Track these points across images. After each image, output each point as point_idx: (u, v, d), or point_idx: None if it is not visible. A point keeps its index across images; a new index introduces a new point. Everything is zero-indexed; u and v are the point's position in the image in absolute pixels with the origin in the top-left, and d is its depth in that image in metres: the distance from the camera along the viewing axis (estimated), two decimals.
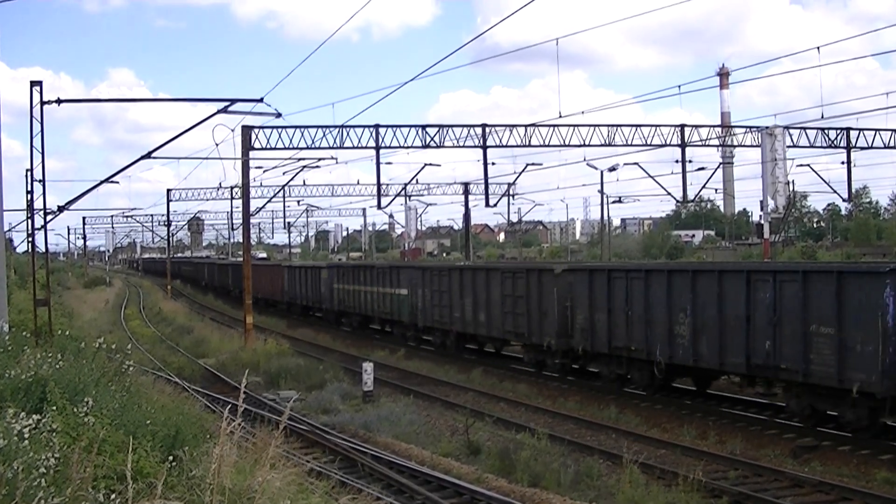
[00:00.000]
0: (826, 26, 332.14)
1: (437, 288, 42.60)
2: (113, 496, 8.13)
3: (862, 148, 53.38)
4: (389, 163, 62.89)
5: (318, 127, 46.26)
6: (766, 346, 23.64)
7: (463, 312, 40.12)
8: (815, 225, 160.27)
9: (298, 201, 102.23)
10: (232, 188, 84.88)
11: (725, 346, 25.19)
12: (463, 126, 49.39)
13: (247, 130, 43.42)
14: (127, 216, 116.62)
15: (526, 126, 49.44)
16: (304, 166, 54.40)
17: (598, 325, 30.63)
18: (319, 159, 51.91)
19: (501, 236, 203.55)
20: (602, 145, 50.37)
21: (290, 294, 67.74)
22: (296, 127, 45.75)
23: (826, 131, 52.16)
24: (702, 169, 60.10)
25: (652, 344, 28.11)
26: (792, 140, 51.46)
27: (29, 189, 33.30)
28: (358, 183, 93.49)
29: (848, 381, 21.25)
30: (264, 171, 58.57)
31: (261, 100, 34.93)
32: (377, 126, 47.05)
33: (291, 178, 64.29)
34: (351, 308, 55.02)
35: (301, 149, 47.05)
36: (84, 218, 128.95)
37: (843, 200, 63.91)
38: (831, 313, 21.69)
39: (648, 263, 45.90)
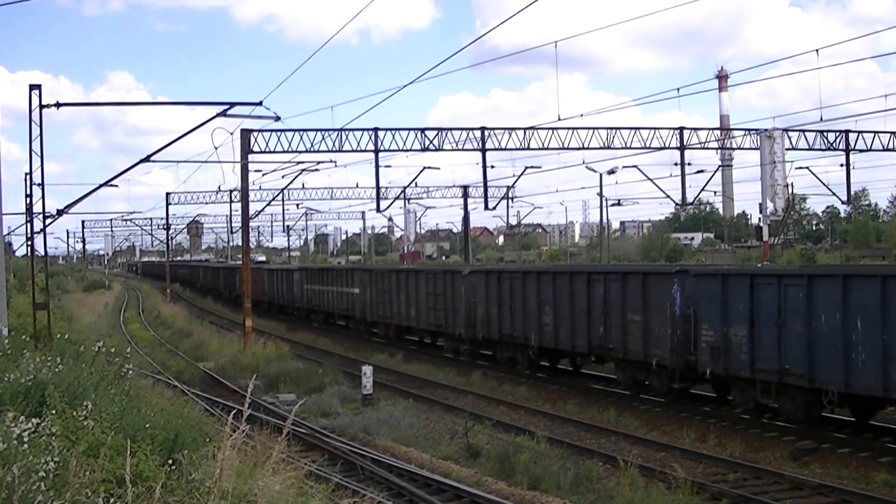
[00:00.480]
0: (825, 28, 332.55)
1: (381, 287, 49.53)
2: (112, 500, 8.13)
3: (861, 150, 53.37)
4: (388, 166, 62.64)
5: (317, 130, 46.29)
6: (601, 332, 30.57)
7: (399, 308, 47.13)
8: (814, 227, 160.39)
9: (297, 204, 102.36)
10: (231, 191, 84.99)
11: (575, 332, 32.06)
12: (462, 129, 49.42)
13: (246, 134, 43.41)
14: (126, 220, 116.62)
15: (525, 129, 49.47)
16: (304, 170, 54.43)
17: (492, 317, 37.54)
18: (318, 162, 51.97)
19: (500, 239, 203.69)
20: (601, 148, 50.38)
21: (269, 294, 74.32)
22: (295, 130, 45.79)
23: (825, 134, 52.17)
24: (701, 171, 60.07)
25: (528, 331, 34.94)
26: (791, 142, 51.46)
27: (28, 192, 33.25)
28: (357, 186, 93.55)
29: (651, 356, 28.08)
30: (263, 175, 58.58)
31: (260, 103, 34.93)
32: (376, 129, 47.07)
33: (290, 182, 64.28)
34: (317, 306, 61.95)
35: (300, 152, 47.09)
36: (83, 221, 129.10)
37: (843, 203, 63.98)
38: (640, 305, 28.61)
39: (526, 266, 51.65)
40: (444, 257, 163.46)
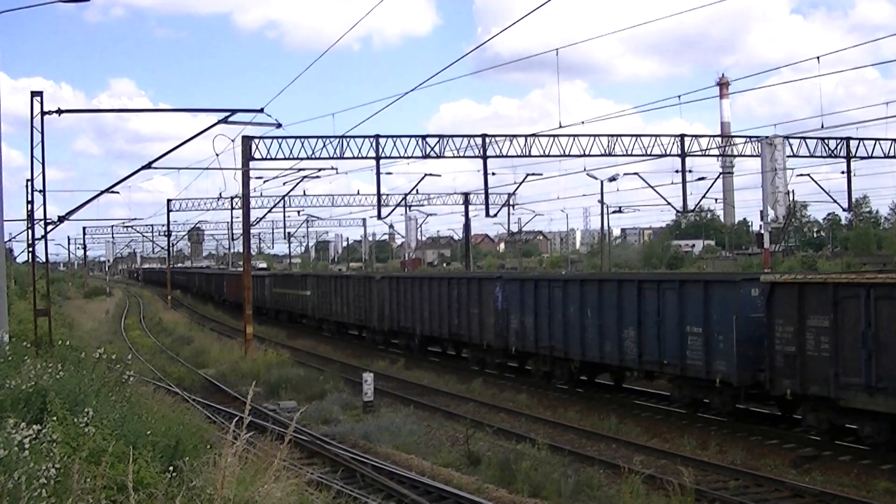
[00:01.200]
0: (827, 36, 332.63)
1: (325, 290, 59.09)
2: None
3: (862, 157, 53.42)
4: (389, 173, 62.92)
5: (318, 137, 46.29)
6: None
7: (337, 307, 56.57)
8: (815, 235, 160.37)
9: (298, 211, 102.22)
10: (232, 198, 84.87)
11: (438, 320, 43.10)
12: (463, 136, 49.43)
13: (247, 141, 43.43)
14: (127, 226, 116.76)
15: (526, 136, 49.48)
16: (305, 176, 54.54)
17: (392, 311, 48.20)
18: (320, 169, 52.03)
19: (501, 246, 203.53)
20: (602, 155, 50.40)
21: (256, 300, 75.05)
22: (296, 137, 45.79)
23: (826, 141, 52.18)
24: (702, 179, 60.10)
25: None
26: (792, 150, 51.48)
27: (29, 199, 33.38)
28: (358, 193, 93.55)
29: (483, 340, 39.04)
30: (264, 182, 58.73)
31: (261, 110, 34.99)
32: (377, 136, 47.08)
33: (292, 189, 64.45)
34: (282, 306, 71.23)
35: (301, 159, 47.11)
36: (84, 228, 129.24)
37: (843, 210, 63.86)
38: (476, 301, 39.31)
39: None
40: (444, 264, 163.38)
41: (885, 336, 20.92)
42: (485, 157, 49.09)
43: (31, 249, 34.66)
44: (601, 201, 77.25)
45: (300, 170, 51.56)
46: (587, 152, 49.64)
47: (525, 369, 37.25)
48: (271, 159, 46.16)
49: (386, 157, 47.90)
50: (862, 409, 21.65)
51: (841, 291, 22.17)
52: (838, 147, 52.50)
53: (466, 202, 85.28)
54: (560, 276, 39.58)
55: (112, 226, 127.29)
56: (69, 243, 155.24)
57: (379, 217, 59.86)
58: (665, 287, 28.25)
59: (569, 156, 49.75)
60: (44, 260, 36.39)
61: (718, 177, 64.77)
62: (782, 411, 25.83)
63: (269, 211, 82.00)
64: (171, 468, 9.62)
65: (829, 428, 23.12)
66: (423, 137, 48.37)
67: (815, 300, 22.87)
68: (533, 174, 66.48)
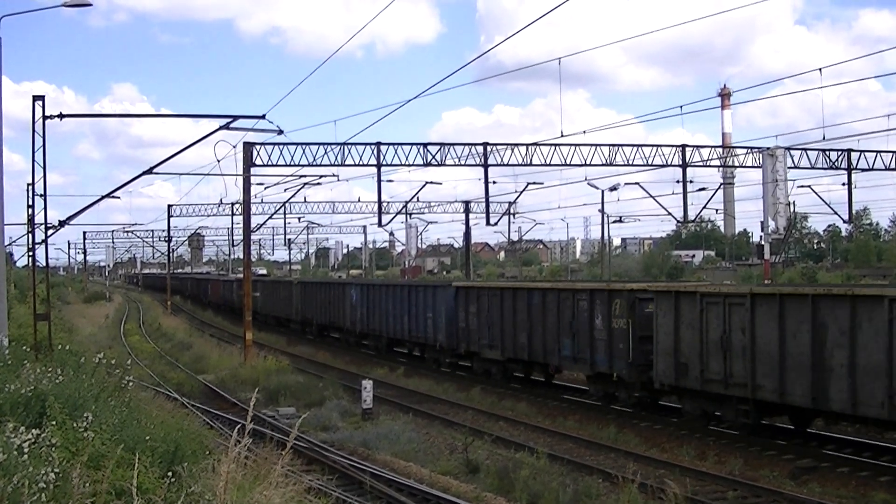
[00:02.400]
0: (830, 47, 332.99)
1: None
2: None
3: (863, 169, 53.50)
4: (391, 180, 63.20)
5: (319, 144, 46.36)
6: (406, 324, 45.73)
7: (316, 311, 61.10)
8: (815, 246, 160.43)
9: (299, 218, 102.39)
10: (233, 204, 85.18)
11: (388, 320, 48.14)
12: (464, 144, 49.55)
13: (248, 147, 43.46)
14: (127, 231, 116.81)
15: (527, 145, 49.61)
16: (306, 183, 54.51)
17: (362, 315, 51.48)
18: (321, 176, 52.09)
19: (502, 255, 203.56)
20: (603, 165, 50.51)
21: (229, 300, 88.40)
22: (297, 144, 45.87)
23: (827, 153, 52.28)
24: (703, 189, 60.16)
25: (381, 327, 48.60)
26: (793, 161, 51.55)
27: (30, 203, 33.35)
28: (359, 200, 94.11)
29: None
30: (265, 188, 58.72)
31: (263, 116, 35.03)
32: (378, 144, 47.13)
33: (292, 195, 64.37)
34: (269, 311, 76.37)
35: (302, 166, 47.22)
36: (84, 233, 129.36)
37: (844, 222, 63.97)
38: (431, 306, 43.20)
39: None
40: (444, 272, 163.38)
41: (734, 339, 24.30)
42: (486, 166, 49.16)
43: (31, 254, 34.68)
44: (602, 211, 77.37)
45: (301, 176, 51.61)
46: (588, 162, 49.72)
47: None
48: (272, 166, 46.23)
49: (387, 165, 48.00)
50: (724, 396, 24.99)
51: (706, 299, 25.41)
52: (839, 159, 52.57)
53: (467, 210, 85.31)
54: (499, 285, 41.61)
55: (112, 231, 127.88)
56: (69, 248, 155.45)
57: (379, 224, 59.74)
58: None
59: (570, 165, 49.86)
60: (44, 264, 36.37)
61: (719, 187, 64.87)
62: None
63: (270, 217, 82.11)
64: (170, 474, 9.62)
65: (702, 413, 26.56)
66: (425, 145, 48.46)
67: (686, 307, 25.98)
68: (534, 183, 66.68)
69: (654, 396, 29.48)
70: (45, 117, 31.17)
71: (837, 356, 21.35)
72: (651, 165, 51.12)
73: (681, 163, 51.10)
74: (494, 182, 54.41)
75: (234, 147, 40.37)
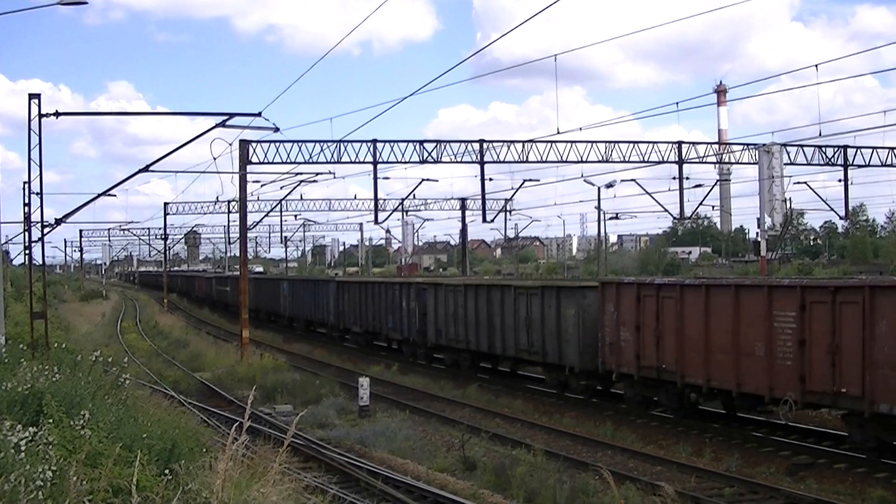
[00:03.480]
0: (827, 44, 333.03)
1: (298, 291, 66.13)
2: None
3: (859, 166, 53.53)
4: (387, 178, 62.91)
5: (315, 142, 46.37)
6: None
7: (305, 307, 62.35)
8: (811, 242, 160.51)
9: (295, 216, 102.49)
10: (229, 202, 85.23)
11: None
12: (460, 141, 49.57)
13: (244, 144, 43.41)
14: (124, 229, 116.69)
15: (524, 142, 49.64)
16: (302, 181, 54.52)
17: (344, 311, 53.60)
18: (317, 174, 52.01)
19: (498, 252, 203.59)
20: (599, 161, 50.53)
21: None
22: (294, 141, 45.86)
23: (823, 149, 52.31)
24: (699, 186, 60.32)
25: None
26: (789, 157, 51.64)
27: (26, 201, 33.32)
28: (355, 198, 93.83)
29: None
30: (262, 186, 58.76)
31: (259, 114, 35.04)
32: (375, 141, 47.15)
33: (289, 193, 64.51)
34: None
35: (299, 163, 47.16)
36: (81, 231, 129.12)
37: (840, 218, 64.18)
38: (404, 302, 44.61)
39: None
40: (441, 269, 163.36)
41: (665, 327, 26.84)
42: (482, 163, 49.18)
43: (27, 252, 34.63)
44: (598, 207, 77.40)
45: (297, 174, 51.56)
46: (584, 159, 49.77)
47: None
48: (268, 163, 46.19)
49: (383, 162, 48.08)
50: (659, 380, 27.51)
51: (643, 291, 27.88)
52: (835, 155, 52.63)
53: (463, 207, 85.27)
54: (455, 283, 42.98)
55: (109, 229, 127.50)
56: (66, 246, 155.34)
57: (376, 222, 60.15)
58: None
59: (566, 162, 49.87)
60: (40, 262, 36.38)
61: (716, 184, 65.02)
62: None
63: (266, 215, 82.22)
64: (167, 471, 9.62)
65: (642, 400, 29.01)
66: (421, 142, 48.47)
67: (626, 299, 28.64)
68: (530, 180, 66.72)
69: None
70: (41, 115, 31.13)
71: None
72: (647, 162, 51.16)
73: (677, 159, 51.15)
74: (491, 179, 54.31)
75: (231, 145, 40.37)
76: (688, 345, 25.78)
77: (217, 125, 35.78)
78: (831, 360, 21.36)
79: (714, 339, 24.90)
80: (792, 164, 52.07)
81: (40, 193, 32.18)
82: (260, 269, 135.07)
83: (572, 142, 48.97)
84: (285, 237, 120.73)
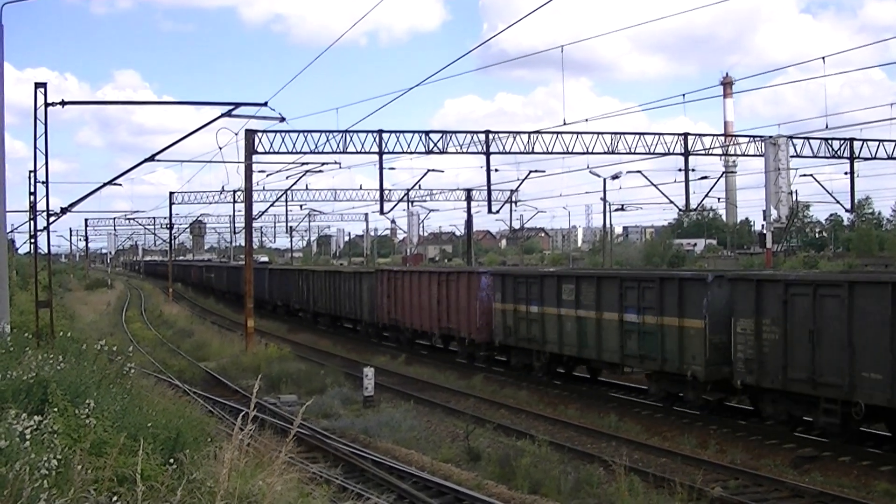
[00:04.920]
0: (835, 36, 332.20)
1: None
2: (115, 498, 8.12)
3: (865, 158, 53.39)
4: (392, 168, 63.03)
5: (321, 132, 46.33)
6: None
7: (268, 293, 72.42)
8: (817, 235, 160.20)
9: (301, 205, 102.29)
10: (235, 192, 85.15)
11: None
12: (466, 132, 49.51)
13: (250, 134, 43.39)
14: (129, 218, 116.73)
15: (529, 133, 49.56)
16: (308, 171, 54.40)
17: (300, 295, 64.02)
18: (323, 164, 51.96)
19: (503, 243, 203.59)
20: (605, 153, 50.46)
21: (197, 279, 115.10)
22: (299, 131, 45.82)
23: (830, 141, 52.17)
24: (705, 178, 60.07)
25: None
26: (795, 150, 51.48)
27: (32, 190, 33.29)
28: (361, 188, 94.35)
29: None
30: (267, 175, 58.62)
31: (265, 104, 34.92)
32: (380, 131, 47.09)
33: (294, 183, 64.30)
34: (208, 285, 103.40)
35: (304, 153, 47.13)
36: (86, 220, 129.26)
37: (846, 211, 63.91)
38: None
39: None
40: (446, 260, 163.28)
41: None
42: (488, 154, 49.16)
43: (33, 241, 34.60)
44: (604, 199, 77.31)
45: (303, 164, 51.49)
46: (590, 150, 49.68)
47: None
48: (274, 153, 46.19)
49: (389, 153, 48.01)
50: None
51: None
52: (842, 148, 52.49)
53: (469, 198, 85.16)
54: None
55: (114, 218, 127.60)
56: (71, 235, 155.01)
57: (381, 212, 60.06)
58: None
59: (572, 153, 49.81)
60: (46, 251, 36.31)
61: (721, 176, 64.80)
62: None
63: (272, 205, 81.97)
64: (171, 461, 9.62)
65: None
66: (427, 133, 48.41)
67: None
68: (536, 171, 66.59)
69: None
70: (46, 104, 31.06)
71: None
72: (653, 154, 51.10)
73: (683, 151, 51.06)
74: (496, 170, 54.49)
75: (236, 134, 40.34)
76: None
77: (223, 115, 35.67)
78: None
79: None
80: (798, 156, 51.94)
81: (46, 182, 32.10)
82: (265, 258, 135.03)
83: (578, 133, 48.89)
84: (291, 227, 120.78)
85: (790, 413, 23.91)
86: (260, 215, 77.49)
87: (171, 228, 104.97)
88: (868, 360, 20.97)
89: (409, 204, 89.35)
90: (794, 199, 66.84)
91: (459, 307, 40.44)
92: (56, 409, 10.81)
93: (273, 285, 74.27)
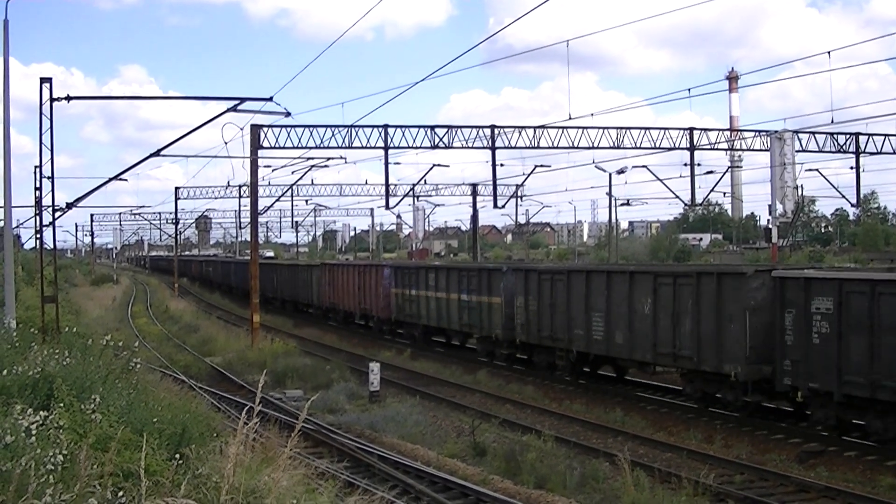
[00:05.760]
0: (841, 30, 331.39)
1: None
2: (120, 493, 8.13)
3: (871, 153, 53.25)
4: (398, 163, 62.93)
5: (327, 126, 46.28)
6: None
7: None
8: (822, 230, 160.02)
9: (307, 200, 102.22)
10: (240, 187, 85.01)
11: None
12: (472, 127, 49.43)
13: (256, 129, 43.41)
14: (135, 214, 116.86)
15: (535, 128, 49.47)
16: (313, 166, 54.39)
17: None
18: (328, 159, 51.90)
19: (509, 238, 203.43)
20: (611, 148, 50.38)
21: (196, 273, 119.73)
22: (305, 126, 45.77)
23: (835, 136, 52.06)
24: (710, 172, 60.08)
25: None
26: (801, 144, 51.42)
27: (37, 186, 33.25)
28: (366, 183, 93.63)
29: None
30: (273, 170, 58.64)
31: (270, 99, 34.92)
32: (386, 126, 47.05)
33: (300, 178, 64.35)
34: (205, 277, 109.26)
35: (310, 148, 47.06)
36: (92, 215, 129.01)
37: (852, 205, 64.05)
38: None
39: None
40: (452, 255, 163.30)
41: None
42: (493, 148, 49.10)
43: (38, 236, 34.56)
44: (609, 194, 77.16)
45: (308, 159, 51.48)
46: (596, 145, 49.60)
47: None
48: (280, 148, 46.18)
49: (394, 147, 47.98)
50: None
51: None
52: (847, 142, 52.38)
53: (474, 193, 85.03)
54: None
55: (120, 213, 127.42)
56: (77, 230, 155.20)
57: (387, 207, 59.81)
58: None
59: (578, 148, 49.70)
60: (51, 247, 36.41)
61: (727, 171, 64.75)
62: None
63: (277, 200, 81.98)
64: (177, 456, 9.62)
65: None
66: (432, 128, 48.34)
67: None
68: (541, 166, 66.53)
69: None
70: (52, 99, 31.09)
71: None
72: (659, 148, 51.00)
73: (688, 146, 51.01)
74: (502, 165, 54.32)
75: (242, 129, 40.30)
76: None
77: (228, 109, 35.68)
78: None
79: None
80: (804, 150, 51.86)
81: (52, 177, 32.15)
82: (270, 253, 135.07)
83: (584, 128, 48.85)
84: (296, 222, 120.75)
85: (548, 361, 34.42)
86: (265, 210, 77.51)
87: (176, 223, 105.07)
88: (578, 321, 31.84)
89: (415, 199, 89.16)
90: (800, 193, 66.80)
91: (371, 293, 51.44)
92: (62, 405, 10.83)
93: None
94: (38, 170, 33.05)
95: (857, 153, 52.84)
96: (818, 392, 22.81)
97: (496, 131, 48.81)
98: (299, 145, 46.29)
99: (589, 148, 50.03)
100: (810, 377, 22.78)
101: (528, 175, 68.33)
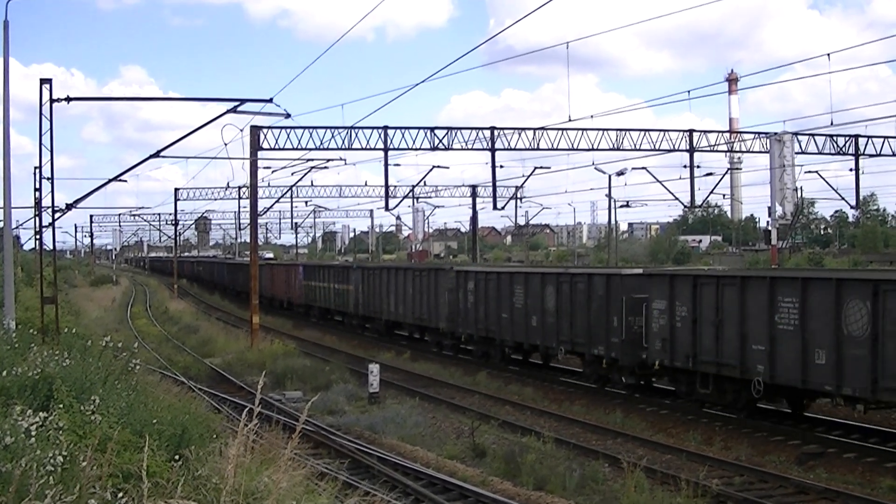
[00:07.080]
0: (842, 32, 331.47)
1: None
2: (120, 495, 8.12)
3: (870, 155, 53.31)
4: (398, 164, 62.91)
5: (326, 128, 46.33)
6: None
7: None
8: (822, 232, 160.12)
9: (306, 202, 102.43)
10: (240, 188, 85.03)
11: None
12: (472, 129, 49.47)
13: (255, 130, 43.43)
14: (134, 215, 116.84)
15: (535, 129, 49.52)
16: (313, 167, 54.39)
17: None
18: (328, 160, 51.90)
19: (508, 239, 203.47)
20: (611, 149, 50.40)
21: (189, 273, 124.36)
22: (305, 128, 45.82)
23: (835, 138, 52.11)
24: (710, 174, 60.13)
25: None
26: (800, 146, 51.47)
27: (37, 186, 33.21)
28: (366, 184, 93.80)
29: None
30: (272, 172, 58.67)
31: (270, 100, 34.94)
32: (386, 128, 47.09)
33: (299, 179, 64.33)
34: (196, 276, 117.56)
35: (309, 149, 47.09)
36: (91, 216, 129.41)
37: (851, 207, 64.09)
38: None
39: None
40: (451, 256, 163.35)
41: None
42: (493, 150, 49.13)
43: (38, 237, 34.54)
44: (609, 195, 77.19)
45: (308, 160, 51.49)
46: (596, 146, 49.65)
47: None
48: (279, 149, 46.21)
49: (394, 149, 48.06)
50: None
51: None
52: (847, 144, 52.44)
53: (474, 194, 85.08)
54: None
55: (119, 214, 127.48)
56: (76, 231, 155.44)
57: (386, 208, 59.87)
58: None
59: (577, 149, 49.74)
60: (51, 248, 36.39)
61: (726, 172, 64.77)
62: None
63: (277, 201, 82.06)
64: (177, 457, 9.62)
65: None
66: (432, 129, 48.40)
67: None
68: (541, 167, 66.60)
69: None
70: (52, 100, 31.05)
71: None
72: (658, 150, 51.04)
73: (688, 148, 51.03)
74: (501, 166, 54.35)
75: (242, 130, 40.27)
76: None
77: (228, 111, 35.70)
78: None
79: None
80: (803, 152, 51.93)
81: (51, 178, 32.10)
82: (270, 255, 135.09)
83: (583, 129, 48.90)
84: (296, 223, 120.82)
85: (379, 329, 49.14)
86: (265, 211, 77.52)
87: (175, 225, 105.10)
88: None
89: (415, 200, 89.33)
90: (800, 195, 66.81)
91: (292, 284, 68.36)
92: (61, 406, 10.83)
93: (233, 276, 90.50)
94: (37, 170, 33.01)
95: (857, 155, 52.89)
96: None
97: (496, 133, 48.85)
98: (299, 147, 46.33)
99: (588, 149, 50.11)
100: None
101: (528, 177, 68.51)
